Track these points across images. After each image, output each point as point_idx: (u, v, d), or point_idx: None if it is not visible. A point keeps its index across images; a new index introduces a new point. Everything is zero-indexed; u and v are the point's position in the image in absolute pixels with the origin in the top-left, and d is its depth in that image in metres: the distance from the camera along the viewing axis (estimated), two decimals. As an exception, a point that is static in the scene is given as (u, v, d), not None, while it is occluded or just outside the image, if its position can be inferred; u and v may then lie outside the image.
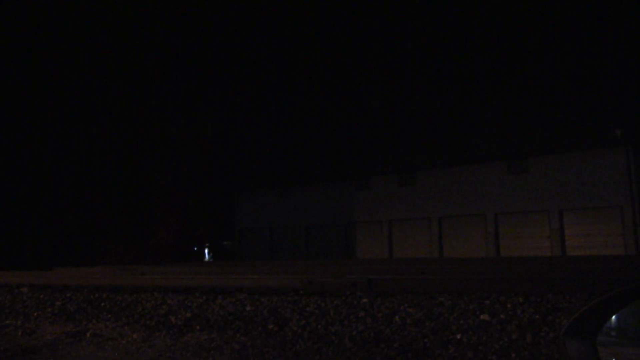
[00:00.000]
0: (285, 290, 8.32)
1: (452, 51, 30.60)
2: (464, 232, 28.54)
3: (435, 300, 6.69)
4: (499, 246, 27.31)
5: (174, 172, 35.92)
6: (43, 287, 11.24)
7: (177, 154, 35.89)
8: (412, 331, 5.57)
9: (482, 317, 5.74)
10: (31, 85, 28.92)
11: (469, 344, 5.05)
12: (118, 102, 32.71)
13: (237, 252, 36.89)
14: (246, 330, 6.36)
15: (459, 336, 5.26)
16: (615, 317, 1.65)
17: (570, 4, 27.01)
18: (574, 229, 25.71)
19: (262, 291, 8.43)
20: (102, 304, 8.55)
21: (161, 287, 9.76)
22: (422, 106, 30.12)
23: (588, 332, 1.59)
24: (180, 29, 35.74)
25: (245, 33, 38.59)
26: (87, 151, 31.42)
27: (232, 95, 38.86)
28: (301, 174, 34.61)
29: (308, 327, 6.17)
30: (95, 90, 31.54)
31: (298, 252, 33.87)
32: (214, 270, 15.34)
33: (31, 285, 11.52)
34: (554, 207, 26.15)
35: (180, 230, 36.44)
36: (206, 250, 38.74)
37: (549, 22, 27.74)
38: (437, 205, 29.40)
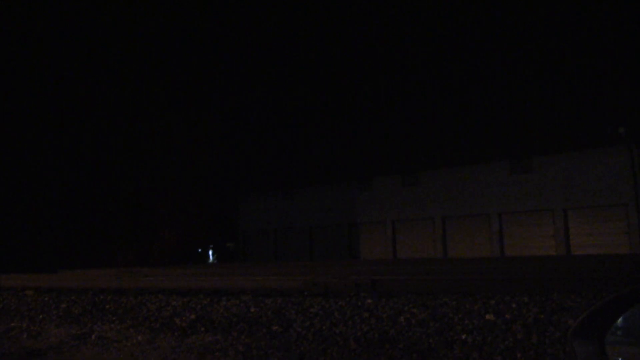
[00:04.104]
0: (290, 292, 8.32)
1: (454, 50, 30.56)
2: (468, 232, 28.49)
3: (440, 301, 6.67)
4: (503, 246, 27.26)
5: (177, 174, 35.98)
6: (48, 289, 11.27)
7: (181, 155, 35.96)
8: (417, 332, 5.56)
9: (487, 317, 5.72)
10: (34, 89, 29.02)
11: (474, 344, 5.03)
12: (121, 103, 32.78)
13: (241, 254, 36.92)
14: (250, 331, 6.35)
15: (464, 336, 5.24)
16: (622, 316, 1.64)
17: (573, 1, 26.95)
18: (579, 228, 25.63)
19: (266, 293, 8.43)
20: (107, 306, 8.56)
21: (165, 289, 9.77)
22: (425, 106, 30.09)
23: (596, 332, 1.58)
24: (184, 29, 35.82)
25: (246, 33, 38.65)
26: (91, 153, 31.50)
27: (234, 97, 38.92)
28: (304, 176, 34.64)
29: (312, 328, 6.16)
30: (98, 93, 31.62)
31: (302, 253, 33.88)
32: (218, 272, 15.36)
33: (36, 288, 11.56)
34: (558, 206, 26.08)
35: (184, 232, 36.49)
36: (210, 252, 38.79)
37: (551, 20, 27.68)
38: (440, 205, 29.36)
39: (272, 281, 9.14)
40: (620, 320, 1.62)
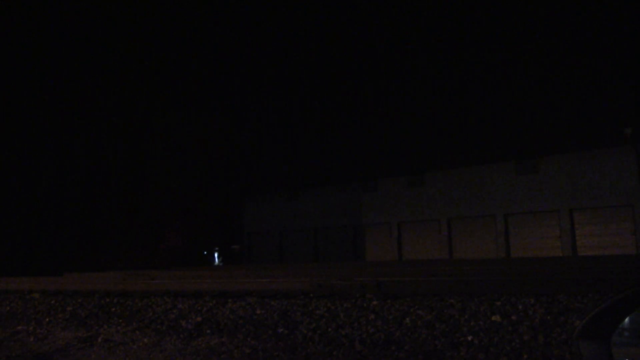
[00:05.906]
0: (295, 294, 8.32)
1: (459, 51, 30.51)
2: (474, 233, 28.40)
3: (446, 302, 6.66)
4: (509, 247, 27.15)
5: (182, 176, 36.07)
6: (54, 292, 11.32)
7: (185, 158, 36.06)
8: (423, 333, 5.55)
9: (493, 318, 5.70)
10: (36, 92, 29.17)
11: (481, 346, 5.01)
12: (125, 106, 32.90)
13: (246, 256, 36.95)
14: (256, 334, 6.36)
15: (470, 338, 5.23)
16: (629, 317, 1.64)
17: (578, 1, 26.88)
18: (585, 229, 25.51)
19: (271, 295, 8.43)
20: (113, 309, 8.59)
21: (171, 292, 9.79)
22: (430, 107, 30.04)
23: (602, 333, 1.58)
24: (186, 30, 35.94)
25: (250, 34, 38.75)
26: (96, 156, 31.63)
27: (239, 98, 39.03)
28: (309, 177, 34.65)
29: (318, 330, 6.16)
30: (101, 96, 31.75)
31: (306, 255, 33.87)
32: (224, 274, 15.37)
33: (42, 291, 11.60)
34: (564, 206, 25.97)
35: (190, 235, 36.56)
36: (216, 254, 38.83)
37: (556, 20, 27.61)
38: (446, 206, 29.29)
39: (278, 283, 9.14)
40: (626, 321, 1.61)
